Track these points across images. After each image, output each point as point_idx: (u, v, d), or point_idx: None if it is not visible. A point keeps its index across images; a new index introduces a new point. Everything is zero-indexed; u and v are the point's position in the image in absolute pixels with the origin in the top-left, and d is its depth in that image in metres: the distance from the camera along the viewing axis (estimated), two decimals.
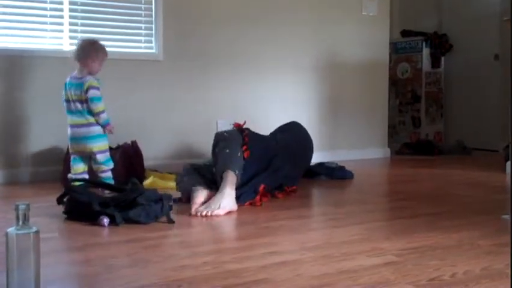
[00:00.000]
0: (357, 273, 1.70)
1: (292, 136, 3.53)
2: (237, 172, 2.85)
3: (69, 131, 3.16)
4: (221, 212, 2.63)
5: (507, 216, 2.50)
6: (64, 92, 3.17)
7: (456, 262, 1.82)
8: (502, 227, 2.35)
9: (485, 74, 6.00)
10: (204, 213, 2.60)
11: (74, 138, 3.15)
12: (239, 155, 2.96)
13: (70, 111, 3.14)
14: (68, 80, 3.17)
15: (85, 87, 3.12)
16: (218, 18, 4.35)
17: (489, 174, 4.07)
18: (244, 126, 3.18)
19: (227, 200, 2.70)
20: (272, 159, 3.15)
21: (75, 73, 3.18)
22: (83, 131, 3.13)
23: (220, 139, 3.03)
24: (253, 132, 3.18)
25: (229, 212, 2.66)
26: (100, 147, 3.17)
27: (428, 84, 6.13)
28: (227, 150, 2.95)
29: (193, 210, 2.63)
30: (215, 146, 3.02)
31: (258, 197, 2.90)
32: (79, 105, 3.11)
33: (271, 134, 3.57)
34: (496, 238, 2.14)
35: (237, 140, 3.04)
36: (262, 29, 4.55)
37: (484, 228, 2.31)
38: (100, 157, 3.17)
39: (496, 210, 2.67)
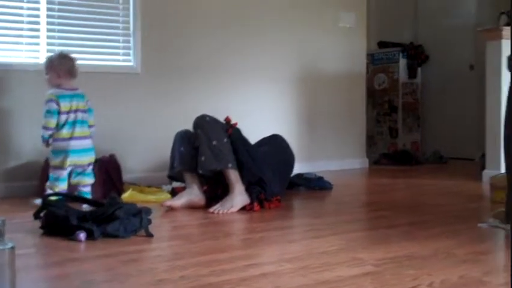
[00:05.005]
0: (336, 283, 1.71)
1: (275, 149, 3.52)
2: (232, 165, 3.05)
3: (69, 143, 3.13)
4: (234, 209, 2.96)
5: (483, 225, 2.54)
6: (63, 104, 3.13)
7: (433, 271, 1.84)
8: (477, 236, 2.38)
9: (461, 84, 6.10)
10: (220, 212, 2.93)
11: (78, 151, 3.15)
12: (225, 140, 3.07)
13: (72, 122, 3.14)
14: (64, 91, 3.17)
15: (87, 99, 3.24)
16: (196, 30, 4.35)
17: (465, 183, 4.13)
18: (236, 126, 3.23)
19: (238, 198, 3.01)
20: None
21: (64, 86, 3.21)
22: (87, 142, 3.19)
23: (202, 122, 3.10)
24: (240, 132, 3.21)
25: (241, 209, 2.99)
26: (93, 159, 3.23)
27: (404, 95, 6.20)
28: (214, 143, 3.05)
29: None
30: (196, 127, 3.11)
31: (256, 203, 3.04)
32: (85, 115, 3.20)
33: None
34: (472, 246, 2.17)
35: (220, 124, 3.15)
36: (241, 41, 4.57)
37: (460, 237, 2.34)
38: (89, 170, 3.21)
39: (472, 219, 2.70)
